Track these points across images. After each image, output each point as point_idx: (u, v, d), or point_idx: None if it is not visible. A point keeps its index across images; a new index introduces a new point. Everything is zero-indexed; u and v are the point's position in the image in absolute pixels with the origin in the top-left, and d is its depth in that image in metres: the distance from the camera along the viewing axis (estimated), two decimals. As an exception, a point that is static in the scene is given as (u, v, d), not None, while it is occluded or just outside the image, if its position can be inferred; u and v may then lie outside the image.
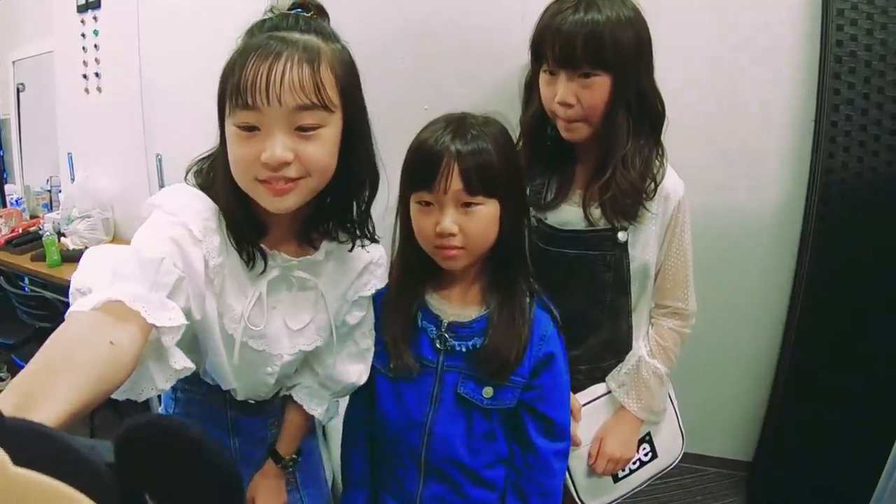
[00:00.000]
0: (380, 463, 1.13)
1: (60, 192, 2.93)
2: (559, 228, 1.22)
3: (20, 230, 2.83)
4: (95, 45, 2.64)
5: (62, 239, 2.63)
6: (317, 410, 1.08)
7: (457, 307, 1.05)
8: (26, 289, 2.54)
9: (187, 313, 0.76)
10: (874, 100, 1.71)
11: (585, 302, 1.23)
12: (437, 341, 1.04)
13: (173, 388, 1.01)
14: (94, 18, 2.62)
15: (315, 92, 0.79)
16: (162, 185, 2.55)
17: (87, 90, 2.71)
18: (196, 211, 0.84)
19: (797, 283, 1.98)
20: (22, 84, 3.22)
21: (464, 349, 1.02)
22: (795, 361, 1.96)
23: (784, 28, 1.85)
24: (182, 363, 0.72)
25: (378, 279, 1.04)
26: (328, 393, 1.09)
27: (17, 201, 3.01)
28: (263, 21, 0.85)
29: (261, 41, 0.80)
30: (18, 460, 0.28)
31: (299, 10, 0.87)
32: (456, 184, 0.93)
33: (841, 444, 1.92)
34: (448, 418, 1.04)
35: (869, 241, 1.78)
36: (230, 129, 0.81)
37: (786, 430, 2.03)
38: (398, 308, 1.05)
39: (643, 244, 1.20)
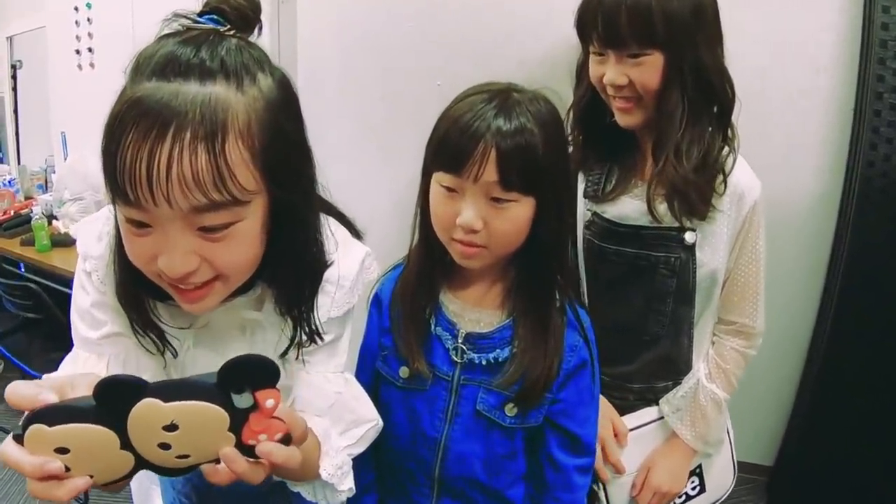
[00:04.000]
0: (386, 472, 1.03)
1: (55, 172, 2.84)
2: (618, 223, 1.10)
3: (12, 212, 2.73)
4: (88, 19, 2.54)
5: (54, 222, 2.53)
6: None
7: (474, 311, 0.92)
8: (22, 273, 2.45)
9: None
10: (922, 87, 1.60)
11: (643, 310, 1.11)
12: (454, 353, 0.91)
13: None
14: (88, -9, 2.51)
15: (217, 188, 0.56)
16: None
17: (80, 66, 2.61)
18: (98, 256, 0.72)
19: (830, 281, 1.88)
20: (19, 61, 3.16)
21: (484, 362, 0.90)
22: (825, 363, 1.88)
23: (824, 9, 1.73)
24: None
25: (336, 303, 0.78)
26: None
27: (9, 182, 2.91)
28: (161, 43, 0.59)
29: (144, 95, 0.55)
30: (164, 400, 0.50)
31: (213, 18, 0.63)
32: (490, 174, 0.79)
33: (869, 450, 1.83)
34: (465, 436, 0.93)
35: (910, 239, 1.68)
36: (119, 216, 0.61)
37: (811, 434, 1.96)
38: (411, 307, 0.92)
39: (712, 247, 1.07)
